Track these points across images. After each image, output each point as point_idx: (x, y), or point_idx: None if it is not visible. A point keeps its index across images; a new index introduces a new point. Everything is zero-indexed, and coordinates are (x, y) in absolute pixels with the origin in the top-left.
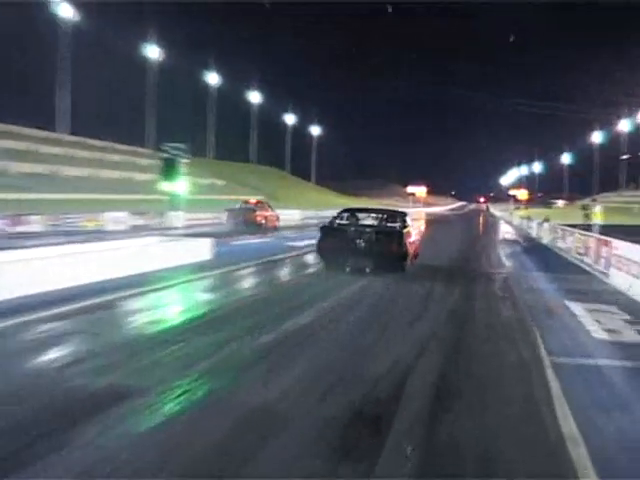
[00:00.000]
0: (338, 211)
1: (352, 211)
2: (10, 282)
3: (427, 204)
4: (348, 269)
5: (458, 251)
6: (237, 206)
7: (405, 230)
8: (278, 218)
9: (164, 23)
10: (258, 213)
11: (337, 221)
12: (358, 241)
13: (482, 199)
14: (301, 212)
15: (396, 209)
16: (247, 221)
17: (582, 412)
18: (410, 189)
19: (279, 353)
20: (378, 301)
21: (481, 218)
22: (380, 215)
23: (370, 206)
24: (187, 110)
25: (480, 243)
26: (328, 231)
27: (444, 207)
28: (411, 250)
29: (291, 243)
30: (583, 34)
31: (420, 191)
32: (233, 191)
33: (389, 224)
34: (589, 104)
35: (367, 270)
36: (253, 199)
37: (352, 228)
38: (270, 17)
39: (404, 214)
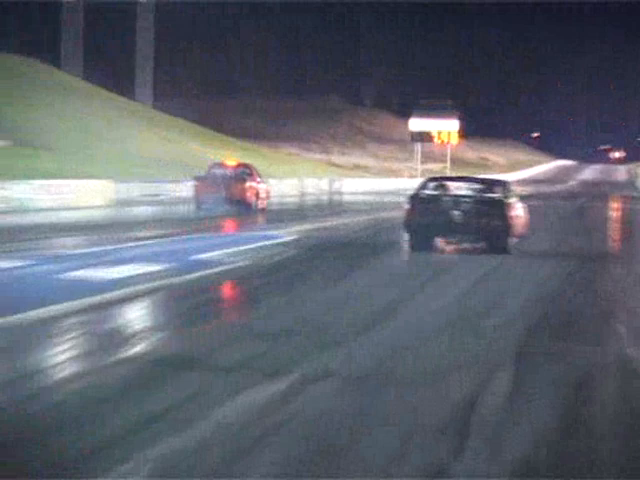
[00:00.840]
0: (422, 180)
1: (441, 180)
2: None
3: (461, 163)
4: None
5: None
6: (212, 172)
7: (509, 200)
8: (269, 194)
9: None
10: (248, 185)
11: (425, 191)
12: (455, 212)
13: (616, 154)
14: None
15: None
16: (232, 197)
17: None
18: (415, 123)
19: None
20: None
21: None
22: (477, 185)
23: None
24: None
25: None
26: (417, 202)
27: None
28: (518, 225)
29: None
30: None
31: (448, 125)
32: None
33: (489, 194)
34: None
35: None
36: (232, 160)
37: (447, 198)
38: None
39: (507, 182)
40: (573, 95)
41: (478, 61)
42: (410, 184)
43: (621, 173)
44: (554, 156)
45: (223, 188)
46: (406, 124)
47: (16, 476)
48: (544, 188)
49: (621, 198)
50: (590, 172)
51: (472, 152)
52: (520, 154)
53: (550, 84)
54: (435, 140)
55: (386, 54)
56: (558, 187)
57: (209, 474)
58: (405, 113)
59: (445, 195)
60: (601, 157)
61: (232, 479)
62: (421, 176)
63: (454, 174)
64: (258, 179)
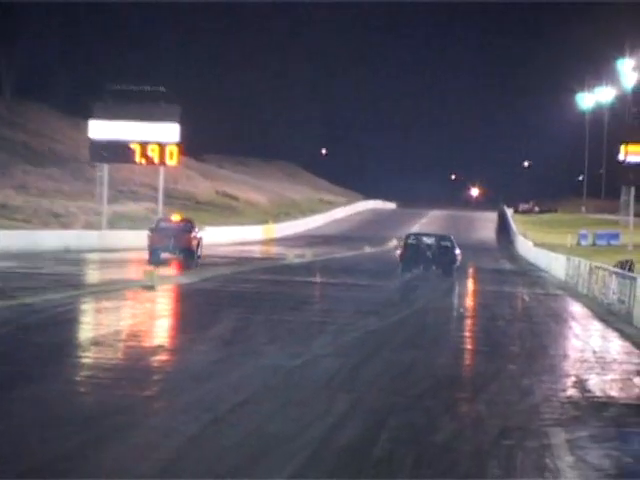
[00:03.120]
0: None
1: (417, 235)
2: None
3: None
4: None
5: None
6: (160, 225)
7: (455, 247)
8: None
9: None
10: (192, 236)
11: (409, 241)
12: (427, 252)
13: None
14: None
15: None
16: (179, 247)
17: None
18: (98, 128)
19: None
20: None
21: None
22: (436, 238)
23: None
24: None
25: None
26: (407, 246)
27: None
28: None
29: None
30: None
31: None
32: None
33: (442, 242)
34: None
35: (433, 268)
36: (176, 215)
37: (422, 245)
38: None
39: (451, 236)
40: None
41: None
42: (88, 241)
43: (484, 225)
44: (364, 194)
45: (172, 238)
46: (81, 129)
47: None
48: (336, 253)
49: (491, 277)
50: (429, 222)
51: (208, 183)
52: (304, 188)
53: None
54: (137, 160)
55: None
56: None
57: None
58: (78, 109)
59: (420, 243)
60: (452, 196)
61: (234, 479)
62: (110, 226)
63: (177, 217)
64: (196, 231)
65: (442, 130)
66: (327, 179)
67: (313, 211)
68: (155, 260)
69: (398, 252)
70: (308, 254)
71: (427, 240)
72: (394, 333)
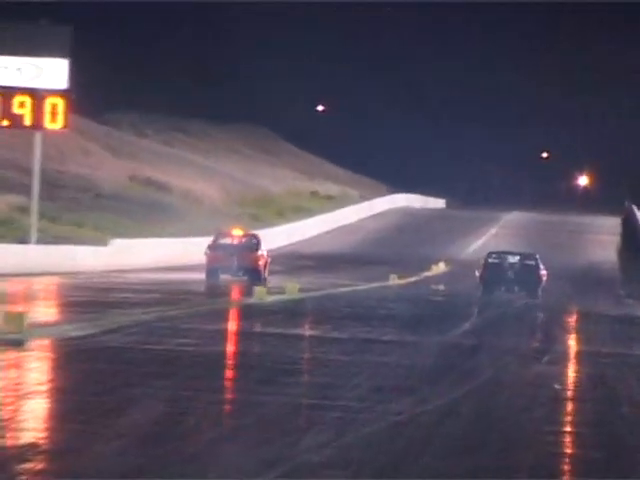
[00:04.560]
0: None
1: (498, 253)
2: None
3: None
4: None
5: None
6: (220, 241)
7: (538, 265)
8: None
9: None
10: (260, 254)
11: (489, 260)
12: (509, 272)
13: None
14: None
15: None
16: (244, 267)
17: None
18: None
19: None
20: None
21: None
22: (519, 256)
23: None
24: None
25: None
26: (487, 265)
27: None
28: (544, 279)
29: None
30: None
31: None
32: None
33: (527, 262)
34: None
35: (516, 288)
36: (238, 229)
37: (504, 264)
38: None
39: (535, 254)
40: None
41: None
42: None
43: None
44: (390, 184)
45: (235, 257)
46: None
47: None
48: (341, 286)
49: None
50: (504, 234)
51: (119, 162)
52: (286, 172)
53: None
54: None
55: None
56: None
57: None
58: None
59: (503, 262)
60: (543, 189)
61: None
62: None
63: (239, 232)
64: (262, 248)
65: (526, 77)
66: (327, 157)
67: (302, 212)
68: (213, 281)
69: (477, 273)
70: (291, 287)
71: (511, 259)
72: (435, 430)
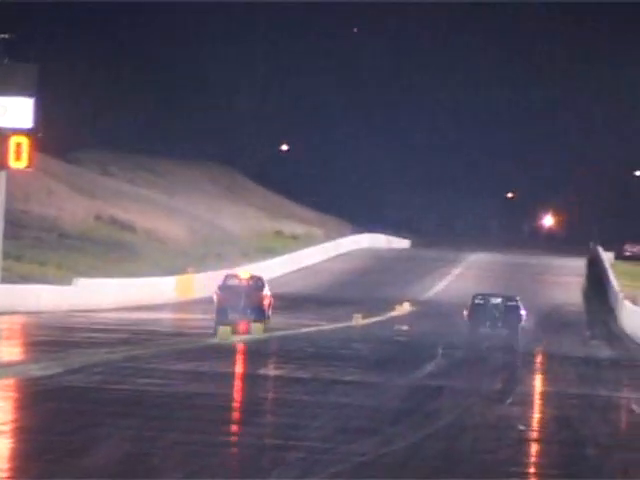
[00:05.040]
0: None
1: (483, 295)
2: None
3: None
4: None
5: None
6: (228, 282)
7: (520, 306)
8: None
9: None
10: (264, 294)
11: (475, 300)
12: (494, 311)
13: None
14: None
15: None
16: (250, 307)
17: None
18: None
19: None
20: None
21: None
22: (502, 297)
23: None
24: None
25: None
26: (474, 305)
27: None
28: (525, 319)
29: None
30: None
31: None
32: None
33: (509, 303)
34: None
35: (499, 325)
36: (244, 272)
37: (488, 304)
38: None
39: (517, 297)
40: None
41: None
42: None
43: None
44: (355, 224)
45: (243, 296)
46: None
47: None
48: (305, 326)
49: None
50: (467, 275)
51: (84, 201)
52: (250, 211)
53: None
54: None
55: None
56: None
57: None
58: None
59: (487, 302)
60: (508, 229)
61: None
62: None
63: (246, 274)
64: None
65: (492, 119)
66: (292, 197)
67: (266, 252)
68: (222, 321)
69: (465, 313)
70: (256, 328)
71: (494, 300)
72: (399, 472)
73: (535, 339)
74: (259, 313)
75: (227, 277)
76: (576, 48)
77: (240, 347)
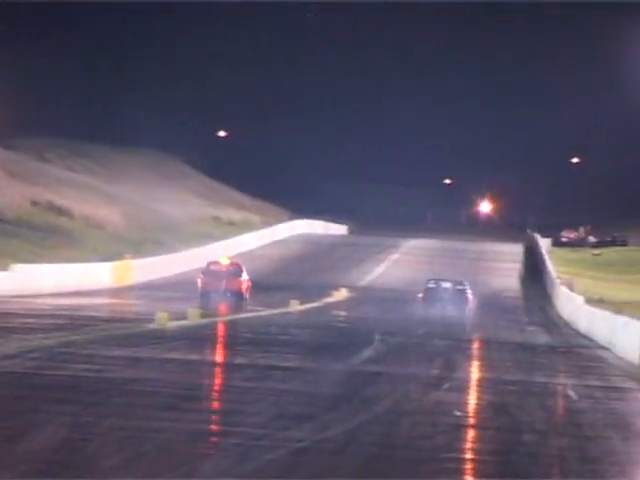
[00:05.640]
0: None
1: (436, 280)
2: None
3: None
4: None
5: None
6: (210, 268)
7: (468, 289)
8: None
9: None
10: (243, 279)
11: (428, 285)
12: (444, 294)
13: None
14: None
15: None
16: (230, 290)
17: None
18: None
19: None
20: None
21: None
22: (452, 281)
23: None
24: None
25: None
26: (427, 289)
27: None
28: (472, 301)
29: None
30: None
31: None
32: None
33: (457, 287)
34: None
35: (449, 306)
36: (224, 259)
37: (440, 288)
38: None
39: (464, 281)
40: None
41: None
42: None
43: (501, 266)
44: (293, 210)
45: (224, 280)
46: None
47: None
48: (242, 312)
49: None
50: (404, 261)
51: (19, 187)
52: (189, 198)
53: None
54: None
55: None
56: None
57: None
58: None
59: (439, 287)
60: (446, 215)
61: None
62: None
63: (226, 261)
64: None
65: (429, 104)
66: (229, 183)
67: (202, 238)
68: (206, 302)
69: (420, 295)
70: (193, 313)
71: (444, 285)
72: (336, 458)
73: (472, 325)
74: (238, 296)
75: (209, 263)
76: (518, 36)
77: (178, 333)
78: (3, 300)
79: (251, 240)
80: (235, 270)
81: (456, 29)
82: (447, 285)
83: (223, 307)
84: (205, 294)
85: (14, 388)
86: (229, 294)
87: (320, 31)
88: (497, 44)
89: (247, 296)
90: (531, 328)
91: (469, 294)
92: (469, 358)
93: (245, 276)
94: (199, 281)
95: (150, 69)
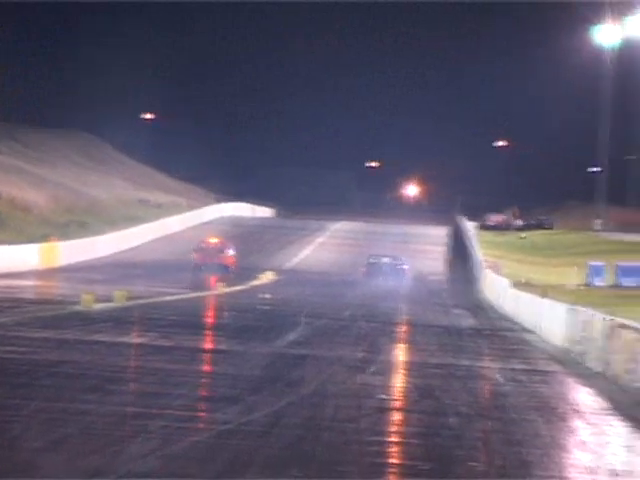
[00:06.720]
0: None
1: (376, 255)
2: None
3: None
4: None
5: None
6: (202, 245)
7: (405, 264)
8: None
9: None
10: (229, 255)
11: (370, 260)
12: (384, 268)
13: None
14: None
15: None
16: (217, 263)
17: None
18: None
19: None
20: None
21: None
22: (392, 257)
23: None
24: None
25: None
26: (369, 264)
27: None
28: (409, 275)
29: None
30: None
31: None
32: None
33: (395, 262)
34: None
35: (389, 279)
36: (214, 237)
37: (379, 263)
38: None
39: (401, 257)
40: None
41: None
42: None
43: (426, 249)
44: (219, 193)
45: (212, 255)
46: None
47: None
48: (168, 294)
49: None
50: (331, 244)
51: None
52: (114, 180)
53: None
54: None
55: None
56: None
57: None
58: None
59: (379, 262)
60: (371, 198)
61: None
62: None
63: (214, 240)
64: (231, 249)
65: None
66: (155, 166)
67: (129, 220)
68: (198, 274)
69: (362, 270)
70: (119, 295)
71: (384, 259)
72: (262, 440)
73: (397, 308)
74: (224, 269)
75: (201, 242)
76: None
77: (104, 315)
78: None
79: (177, 222)
80: (222, 247)
81: (384, 13)
82: (386, 260)
83: (145, 290)
84: (197, 267)
85: None
86: (216, 267)
87: (248, 13)
88: (428, 34)
89: (233, 269)
90: (457, 311)
91: (405, 268)
92: (394, 341)
93: (231, 252)
94: (193, 256)
95: (80, 51)
